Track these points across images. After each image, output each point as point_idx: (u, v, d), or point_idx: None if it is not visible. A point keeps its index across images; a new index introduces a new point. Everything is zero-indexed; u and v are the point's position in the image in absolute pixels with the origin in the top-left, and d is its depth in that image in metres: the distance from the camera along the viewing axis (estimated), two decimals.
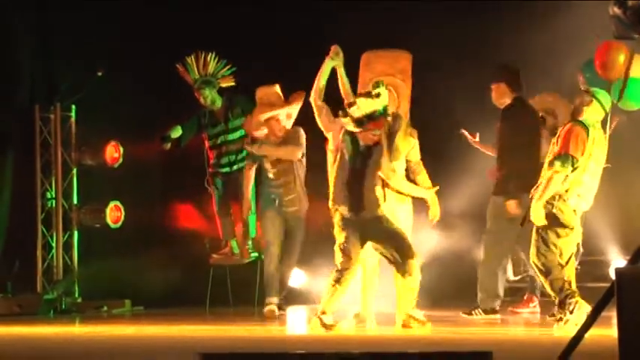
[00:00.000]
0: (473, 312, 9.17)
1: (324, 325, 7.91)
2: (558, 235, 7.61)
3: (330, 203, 8.07)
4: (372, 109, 7.73)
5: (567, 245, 7.63)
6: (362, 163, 7.92)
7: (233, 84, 10.75)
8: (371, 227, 7.92)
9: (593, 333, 4.50)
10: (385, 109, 7.82)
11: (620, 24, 4.07)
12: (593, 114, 7.68)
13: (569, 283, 7.61)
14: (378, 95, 7.77)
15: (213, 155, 10.83)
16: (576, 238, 7.71)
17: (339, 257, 7.93)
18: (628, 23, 4.04)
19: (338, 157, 8.03)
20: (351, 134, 7.92)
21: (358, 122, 7.78)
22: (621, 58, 8.42)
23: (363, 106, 7.73)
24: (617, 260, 10.67)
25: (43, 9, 11.88)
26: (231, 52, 10.84)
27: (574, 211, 7.66)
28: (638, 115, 10.31)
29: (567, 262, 7.63)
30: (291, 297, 11.39)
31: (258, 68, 11.13)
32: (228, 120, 10.72)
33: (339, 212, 7.98)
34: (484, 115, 9.83)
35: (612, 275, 4.36)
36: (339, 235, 7.96)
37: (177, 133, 10.81)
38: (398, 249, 7.87)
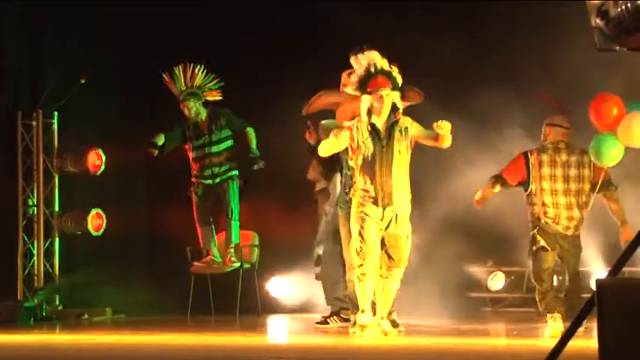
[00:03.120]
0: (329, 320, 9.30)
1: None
2: (529, 254, 8.36)
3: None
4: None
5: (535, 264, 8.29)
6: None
7: (220, 98, 10.76)
8: None
9: (573, 344, 4.51)
10: None
11: (602, 36, 4.08)
12: (553, 137, 8.39)
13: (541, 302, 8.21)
14: None
15: (197, 167, 10.81)
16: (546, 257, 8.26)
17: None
18: (610, 35, 4.05)
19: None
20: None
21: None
22: (614, 111, 8.40)
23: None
24: (598, 271, 10.70)
25: (27, 14, 11.85)
26: (215, 62, 10.85)
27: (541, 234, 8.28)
28: None
29: (538, 280, 8.22)
30: (272, 306, 11.40)
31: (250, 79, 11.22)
32: (212, 132, 10.72)
33: None
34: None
35: (593, 286, 4.36)
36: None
37: (160, 140, 10.78)
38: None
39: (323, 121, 10.11)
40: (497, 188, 8.33)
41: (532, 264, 8.32)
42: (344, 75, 8.54)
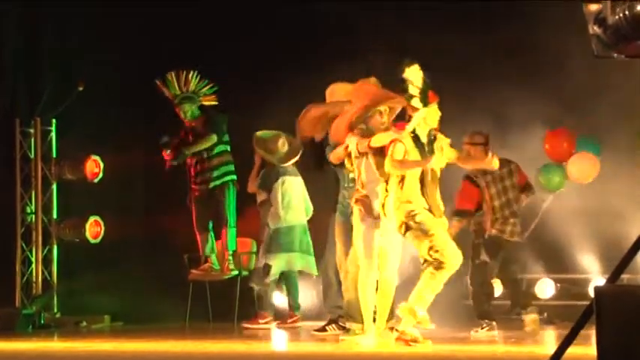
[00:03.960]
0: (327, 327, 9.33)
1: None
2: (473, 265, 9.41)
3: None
4: None
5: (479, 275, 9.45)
6: None
7: (215, 103, 10.80)
8: None
9: (572, 351, 4.51)
10: None
11: (600, 43, 4.09)
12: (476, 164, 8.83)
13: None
14: None
15: (193, 171, 10.85)
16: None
17: None
18: (608, 43, 4.05)
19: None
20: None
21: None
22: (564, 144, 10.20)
23: None
24: (596, 278, 10.69)
25: (27, 14, 11.85)
26: (212, 69, 10.86)
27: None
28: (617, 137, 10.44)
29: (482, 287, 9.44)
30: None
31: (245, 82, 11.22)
32: (207, 137, 10.74)
33: None
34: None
35: (591, 293, 4.36)
36: None
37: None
38: None
39: (258, 132, 10.24)
40: (464, 224, 9.26)
41: (475, 274, 9.31)
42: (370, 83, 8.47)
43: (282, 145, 10.18)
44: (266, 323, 10.28)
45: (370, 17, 10.87)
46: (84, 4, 11.46)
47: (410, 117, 7.94)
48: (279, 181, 10.21)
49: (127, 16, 11.46)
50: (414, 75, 7.92)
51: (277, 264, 10.24)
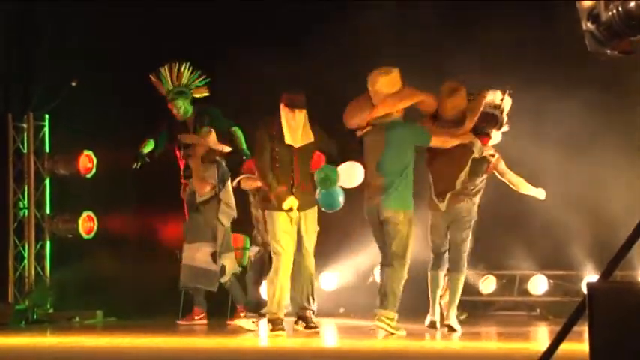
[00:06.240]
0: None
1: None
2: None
3: None
4: None
5: None
6: None
7: (207, 94, 10.71)
8: None
9: (564, 347, 4.52)
10: None
11: (593, 40, 4.09)
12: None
13: None
14: None
15: (184, 165, 10.82)
16: None
17: None
18: (601, 39, 4.06)
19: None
20: None
21: None
22: None
23: None
24: (589, 275, 10.71)
25: (27, 14, 11.84)
26: (215, 62, 10.85)
27: None
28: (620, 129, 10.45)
29: None
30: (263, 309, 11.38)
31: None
32: (196, 131, 10.69)
33: None
34: None
35: (584, 290, 4.37)
36: None
37: (148, 147, 10.72)
38: None
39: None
40: None
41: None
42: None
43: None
44: (200, 318, 10.38)
45: (370, 17, 10.88)
46: (84, 4, 11.45)
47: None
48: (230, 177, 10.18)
49: (127, 16, 11.45)
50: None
51: (232, 263, 10.21)
